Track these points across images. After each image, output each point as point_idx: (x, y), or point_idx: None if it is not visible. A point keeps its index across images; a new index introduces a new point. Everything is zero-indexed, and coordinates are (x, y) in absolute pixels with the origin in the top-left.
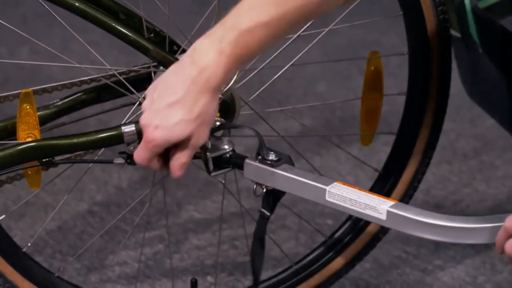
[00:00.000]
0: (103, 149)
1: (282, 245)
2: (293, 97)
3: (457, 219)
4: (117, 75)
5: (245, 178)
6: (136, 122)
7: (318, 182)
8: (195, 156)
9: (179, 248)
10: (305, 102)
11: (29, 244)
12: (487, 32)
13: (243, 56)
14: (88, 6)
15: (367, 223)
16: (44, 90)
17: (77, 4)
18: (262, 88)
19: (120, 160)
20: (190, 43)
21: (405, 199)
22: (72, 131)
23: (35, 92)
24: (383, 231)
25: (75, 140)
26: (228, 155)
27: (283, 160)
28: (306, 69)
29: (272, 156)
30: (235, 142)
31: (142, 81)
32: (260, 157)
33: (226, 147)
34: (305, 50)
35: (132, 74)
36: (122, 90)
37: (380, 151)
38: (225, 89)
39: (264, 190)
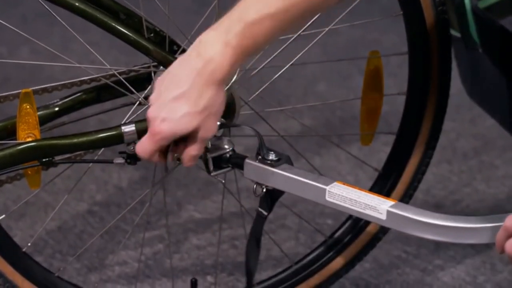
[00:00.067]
0: (103, 149)
1: (282, 245)
2: (293, 97)
3: (457, 219)
4: (117, 75)
5: (245, 178)
6: (136, 122)
7: (318, 182)
8: None
9: (179, 248)
10: (305, 102)
11: (29, 244)
12: (487, 32)
13: (249, 48)
14: (88, 6)
15: (367, 223)
16: (44, 90)
17: (77, 4)
18: (262, 88)
19: (120, 160)
20: (190, 43)
21: (405, 199)
22: (72, 131)
23: (35, 92)
24: (383, 231)
25: (75, 140)
26: (228, 155)
27: (283, 160)
28: (306, 69)
29: (272, 156)
30: (235, 142)
31: (142, 81)
32: (260, 157)
33: (226, 147)
34: (305, 50)
35: (132, 74)
36: (122, 90)
37: (380, 151)
38: (227, 86)
39: (264, 190)
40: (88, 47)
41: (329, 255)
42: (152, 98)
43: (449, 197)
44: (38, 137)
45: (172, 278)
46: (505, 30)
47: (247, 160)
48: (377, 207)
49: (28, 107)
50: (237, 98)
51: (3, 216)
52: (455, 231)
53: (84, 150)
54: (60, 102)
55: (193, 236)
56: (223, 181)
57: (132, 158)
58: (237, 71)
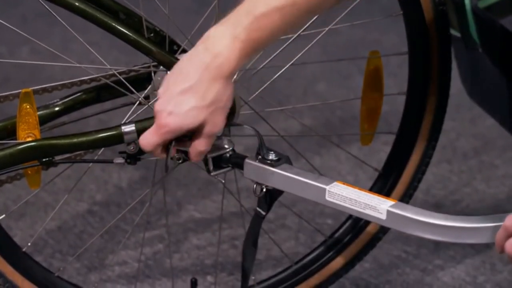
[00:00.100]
0: (103, 148)
1: (282, 245)
2: (293, 97)
3: (457, 218)
4: (117, 74)
5: (245, 177)
6: (136, 122)
7: (318, 182)
8: None
9: (179, 247)
10: (305, 102)
11: (29, 244)
12: (487, 31)
13: (257, 42)
14: (88, 6)
15: (367, 222)
16: (44, 90)
17: (77, 4)
18: (262, 87)
19: (120, 160)
20: (190, 42)
21: (405, 198)
22: (72, 130)
23: (35, 91)
24: (383, 230)
25: (75, 140)
26: (228, 155)
27: (283, 160)
28: (306, 69)
29: (272, 156)
30: (235, 141)
31: (142, 81)
32: (260, 156)
33: (226, 146)
34: (305, 50)
35: (132, 74)
36: (122, 90)
37: (380, 150)
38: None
39: (264, 190)
40: (88, 47)
41: (329, 255)
42: (159, 91)
43: (449, 197)
44: (38, 137)
45: (172, 278)
46: (505, 30)
47: (247, 160)
48: (377, 207)
49: (28, 107)
50: (237, 98)
51: (3, 216)
52: (455, 231)
53: (84, 150)
54: (60, 102)
55: (193, 236)
56: (223, 181)
57: (132, 158)
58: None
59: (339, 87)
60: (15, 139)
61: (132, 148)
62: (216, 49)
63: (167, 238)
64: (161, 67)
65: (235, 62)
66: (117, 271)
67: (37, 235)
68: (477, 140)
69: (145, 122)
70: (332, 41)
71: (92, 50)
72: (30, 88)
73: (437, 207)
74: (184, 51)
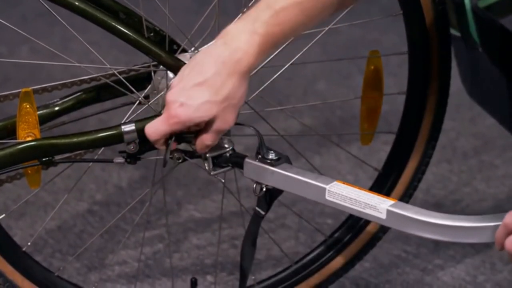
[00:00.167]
0: (103, 148)
1: (282, 245)
2: (293, 96)
3: (457, 218)
4: (117, 74)
5: (245, 177)
6: (136, 121)
7: (318, 181)
8: (195, 155)
9: (179, 247)
10: (305, 101)
11: (29, 244)
12: (487, 31)
13: (276, 36)
14: (88, 5)
15: (367, 222)
16: (44, 89)
17: (77, 4)
18: (262, 87)
19: (120, 160)
20: (190, 42)
21: (405, 198)
22: (72, 130)
23: (35, 91)
24: (383, 230)
25: (75, 140)
26: (228, 154)
27: (283, 160)
28: (306, 68)
29: (272, 155)
30: (235, 141)
31: (142, 81)
32: (260, 156)
33: (226, 146)
34: (305, 49)
35: (132, 73)
36: (122, 90)
37: (380, 150)
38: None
39: (264, 189)
40: (88, 46)
41: (329, 254)
42: (173, 81)
43: (449, 196)
44: (38, 136)
45: (172, 278)
46: (505, 30)
47: (247, 160)
48: (377, 206)
49: (28, 106)
50: None
51: (3, 215)
52: (455, 230)
53: (84, 150)
54: (60, 102)
55: (193, 236)
56: (223, 181)
57: (132, 158)
58: None
59: (339, 86)
60: (15, 138)
61: (132, 147)
62: (235, 44)
63: (167, 238)
64: (161, 66)
65: (254, 57)
66: (117, 270)
67: (37, 234)
68: (477, 139)
69: (145, 122)
70: (332, 40)
71: (92, 50)
72: (30, 88)
73: (437, 207)
74: (184, 50)
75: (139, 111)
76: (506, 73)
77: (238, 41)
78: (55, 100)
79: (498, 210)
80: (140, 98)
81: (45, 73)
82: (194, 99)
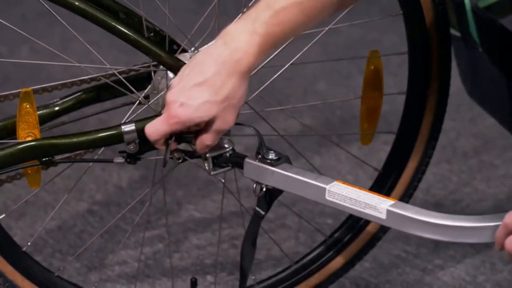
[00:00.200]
0: (103, 148)
1: (282, 245)
2: (293, 96)
3: (457, 218)
4: (117, 74)
5: (245, 177)
6: (136, 121)
7: (318, 181)
8: (195, 155)
9: (179, 247)
10: (305, 101)
11: (29, 243)
12: (487, 31)
13: (276, 36)
14: (88, 5)
15: (367, 222)
16: (44, 89)
17: (77, 4)
18: (262, 87)
19: (120, 159)
20: (190, 42)
21: (405, 198)
22: (72, 130)
23: (35, 91)
24: (383, 230)
25: (75, 140)
26: (228, 154)
27: (283, 160)
28: (306, 68)
29: (272, 155)
30: (235, 141)
31: (142, 81)
32: (260, 156)
33: (226, 146)
34: (305, 49)
35: (132, 73)
36: (122, 90)
37: (380, 150)
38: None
39: (264, 189)
40: (88, 46)
41: (329, 254)
42: (173, 81)
43: (449, 196)
44: (38, 136)
45: (172, 278)
46: (505, 29)
47: (247, 159)
48: (377, 206)
49: (28, 106)
50: None
51: (3, 215)
52: (455, 230)
53: (84, 150)
54: (60, 102)
55: (193, 236)
56: (223, 181)
57: (132, 158)
58: None
59: (339, 86)
60: (15, 138)
61: (132, 147)
62: (235, 44)
63: (167, 238)
64: (161, 66)
65: (254, 57)
66: (117, 270)
67: (37, 234)
68: (477, 139)
69: (145, 122)
70: (332, 40)
71: (92, 50)
72: (30, 88)
73: (437, 207)
74: (184, 50)
75: (139, 111)
76: (506, 73)
77: (238, 41)
78: (55, 100)
79: (498, 210)
80: (140, 98)
81: (45, 73)
82: (194, 99)
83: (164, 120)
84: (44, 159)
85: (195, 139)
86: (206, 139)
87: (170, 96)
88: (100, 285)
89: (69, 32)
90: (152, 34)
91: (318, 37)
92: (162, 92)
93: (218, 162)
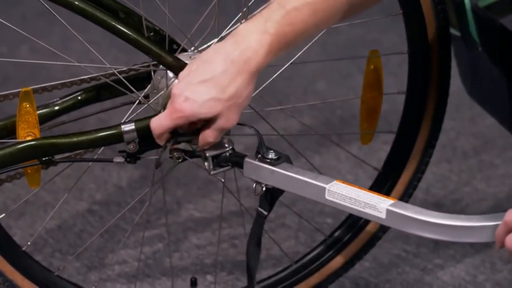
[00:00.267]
0: (102, 147)
1: (282, 244)
2: (293, 96)
3: (456, 217)
4: (117, 74)
5: (245, 176)
6: (136, 121)
7: (318, 181)
8: (195, 155)
9: (179, 247)
10: (305, 101)
11: (28, 243)
12: (487, 30)
13: (287, 36)
14: (88, 5)
15: (367, 221)
16: (44, 89)
17: (77, 3)
18: (262, 86)
19: (119, 159)
20: (190, 42)
21: (405, 198)
22: (71, 130)
23: (35, 90)
24: (382, 230)
25: (74, 139)
26: (227, 154)
27: (283, 159)
28: (306, 68)
29: (271, 155)
30: (235, 140)
31: (142, 80)
32: (259, 155)
33: (225, 145)
34: (305, 49)
35: (132, 73)
36: (122, 89)
37: (380, 150)
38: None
39: (264, 189)
40: (88, 46)
41: (329, 254)
42: (181, 74)
43: (448, 196)
44: (38, 136)
45: (172, 277)
46: (505, 29)
47: (246, 159)
48: (377, 205)
49: (28, 106)
50: None
51: (3, 215)
52: (454, 229)
53: (83, 149)
54: (60, 101)
55: (193, 235)
56: (223, 180)
57: (132, 157)
58: None
59: (339, 86)
60: (15, 138)
61: (132, 147)
62: (245, 43)
63: (167, 237)
64: (161, 66)
65: (263, 57)
66: (117, 270)
67: (37, 234)
68: (477, 139)
69: (145, 121)
70: (332, 40)
71: (92, 49)
72: (30, 87)
73: (437, 206)
74: (184, 50)
75: (139, 110)
76: (506, 72)
77: (249, 41)
78: (55, 100)
79: (498, 209)
80: (140, 98)
81: (45, 73)
82: (199, 95)
83: (168, 114)
84: (44, 159)
85: (196, 137)
86: (209, 136)
87: (176, 89)
88: (100, 284)
89: (69, 32)
90: (152, 33)
91: (318, 36)
92: (162, 92)
93: (218, 161)
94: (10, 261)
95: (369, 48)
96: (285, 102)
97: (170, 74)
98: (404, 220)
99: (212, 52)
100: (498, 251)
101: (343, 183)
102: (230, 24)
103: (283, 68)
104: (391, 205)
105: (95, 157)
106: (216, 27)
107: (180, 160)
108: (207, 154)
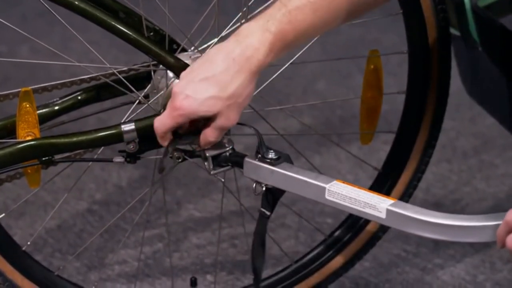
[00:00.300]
0: (102, 147)
1: (282, 244)
2: (293, 96)
3: (456, 217)
4: (117, 73)
5: (245, 176)
6: (136, 121)
7: (318, 181)
8: (195, 155)
9: (179, 246)
10: (305, 101)
11: (28, 243)
12: (487, 30)
13: (287, 34)
14: (88, 4)
15: (367, 221)
16: (43, 89)
17: (77, 3)
18: (262, 86)
19: (119, 159)
20: (190, 41)
21: (405, 197)
22: (71, 129)
23: (35, 90)
24: (382, 229)
25: (74, 139)
26: (227, 154)
27: (283, 159)
28: (305, 68)
29: (271, 155)
30: (235, 140)
31: (142, 80)
32: (259, 155)
33: (225, 145)
34: (305, 49)
35: (132, 72)
36: (122, 89)
37: (380, 149)
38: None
39: (264, 189)
40: (88, 46)
41: (328, 254)
42: (182, 73)
43: (448, 196)
44: (38, 136)
45: (172, 277)
46: (505, 29)
47: (246, 159)
48: (377, 205)
49: (27, 105)
50: None
51: (3, 215)
52: (454, 229)
53: (83, 149)
54: (59, 101)
55: (193, 235)
56: (223, 180)
57: (132, 157)
58: None
59: (339, 86)
60: (15, 138)
61: (131, 147)
62: (247, 41)
63: (166, 237)
64: (161, 66)
65: (264, 55)
66: (116, 270)
67: (36, 234)
68: (477, 139)
69: (144, 121)
70: (332, 40)
71: (92, 49)
72: (30, 87)
73: (437, 206)
74: (184, 50)
75: (139, 110)
76: (506, 72)
77: (250, 39)
78: (54, 100)
79: (498, 209)
80: (140, 98)
81: (45, 73)
82: (200, 93)
83: (168, 113)
84: (43, 159)
85: (198, 138)
86: (209, 135)
87: (177, 87)
88: (100, 284)
89: (69, 32)
90: (151, 33)
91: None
92: (162, 92)
93: (218, 161)
94: (10, 261)
95: (369, 48)
96: (285, 102)
97: (170, 74)
98: (404, 220)
99: (214, 51)
100: (498, 251)
101: (343, 183)
102: (230, 24)
103: (283, 68)
104: (391, 205)
105: (95, 157)
106: (216, 27)
107: (180, 160)
108: (207, 154)
